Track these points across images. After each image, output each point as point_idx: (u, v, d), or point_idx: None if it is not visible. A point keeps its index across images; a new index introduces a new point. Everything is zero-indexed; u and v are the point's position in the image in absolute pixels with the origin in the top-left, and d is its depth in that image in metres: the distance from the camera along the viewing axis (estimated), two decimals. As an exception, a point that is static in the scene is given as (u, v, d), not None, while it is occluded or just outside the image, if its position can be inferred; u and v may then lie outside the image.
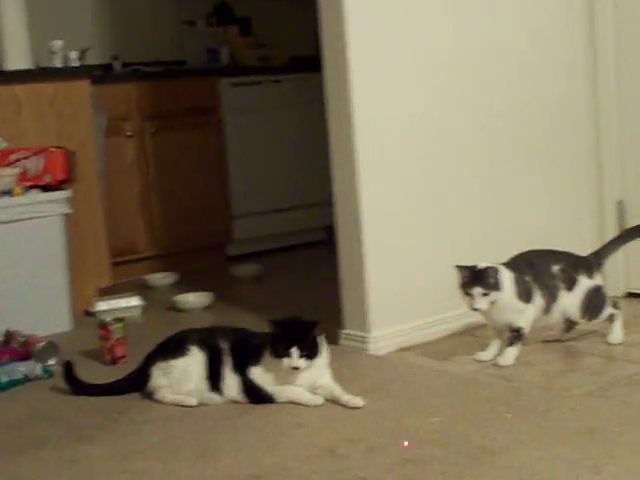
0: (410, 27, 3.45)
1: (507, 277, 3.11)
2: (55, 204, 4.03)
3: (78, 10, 5.62)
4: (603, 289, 3.27)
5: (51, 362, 3.42)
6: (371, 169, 3.37)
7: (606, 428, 2.55)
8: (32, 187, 4.04)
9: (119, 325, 3.52)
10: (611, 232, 3.78)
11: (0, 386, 3.25)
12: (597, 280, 3.26)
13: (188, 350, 2.96)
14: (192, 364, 2.95)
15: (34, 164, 4.06)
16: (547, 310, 3.21)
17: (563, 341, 3.35)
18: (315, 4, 3.42)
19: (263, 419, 2.79)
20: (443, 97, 3.54)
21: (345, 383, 2.92)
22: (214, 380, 2.94)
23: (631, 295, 3.90)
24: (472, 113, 3.62)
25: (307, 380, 2.87)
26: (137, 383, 3.05)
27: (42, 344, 3.48)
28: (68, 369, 3.13)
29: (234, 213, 5.50)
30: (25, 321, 3.72)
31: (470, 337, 3.47)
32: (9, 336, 3.59)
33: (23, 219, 3.94)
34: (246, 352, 2.92)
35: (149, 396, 3.01)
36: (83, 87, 4.40)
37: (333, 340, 3.39)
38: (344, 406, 2.82)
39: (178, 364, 2.96)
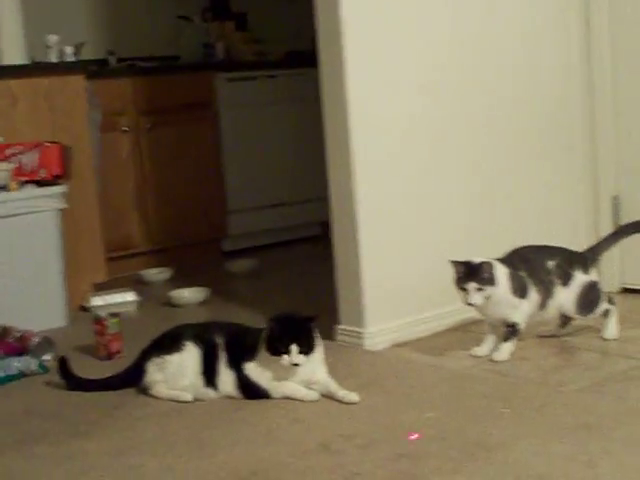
0: (408, 28, 3.45)
1: (502, 272, 3.11)
2: (50, 199, 4.02)
3: (74, 5, 5.62)
4: (598, 285, 3.28)
5: (46, 357, 3.41)
6: (367, 168, 3.37)
7: (601, 423, 2.55)
8: (27, 182, 4.03)
9: (114, 320, 3.52)
10: (606, 228, 3.79)
11: (-5, 381, 3.25)
12: (592, 276, 3.26)
13: (183, 345, 2.96)
14: (187, 359, 2.95)
15: (29, 159, 4.06)
16: (542, 305, 3.21)
17: (558, 336, 3.36)
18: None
19: (258, 414, 2.80)
20: (439, 97, 3.54)
21: (340, 378, 2.92)
22: (209, 375, 2.94)
23: (626, 290, 3.91)
24: (469, 113, 3.62)
25: (303, 375, 2.87)
26: (132, 378, 3.05)
27: (37, 339, 3.48)
28: (63, 364, 3.13)
29: (229, 208, 5.50)
30: (20, 316, 3.71)
31: (465, 333, 3.48)
32: (4, 331, 3.58)
33: (18, 214, 3.94)
34: (241, 348, 2.92)
35: (144, 391, 3.01)
36: (78, 82, 4.40)
37: (328, 335, 3.40)
38: (339, 401, 2.83)
39: (173, 359, 2.96)
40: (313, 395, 2.86)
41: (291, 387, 2.87)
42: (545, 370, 3.06)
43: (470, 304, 3.09)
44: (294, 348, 2.80)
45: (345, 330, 3.47)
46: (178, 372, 2.95)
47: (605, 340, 3.29)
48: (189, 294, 4.35)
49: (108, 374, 3.16)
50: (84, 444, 2.67)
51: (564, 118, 3.91)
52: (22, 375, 3.30)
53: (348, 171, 3.36)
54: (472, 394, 2.87)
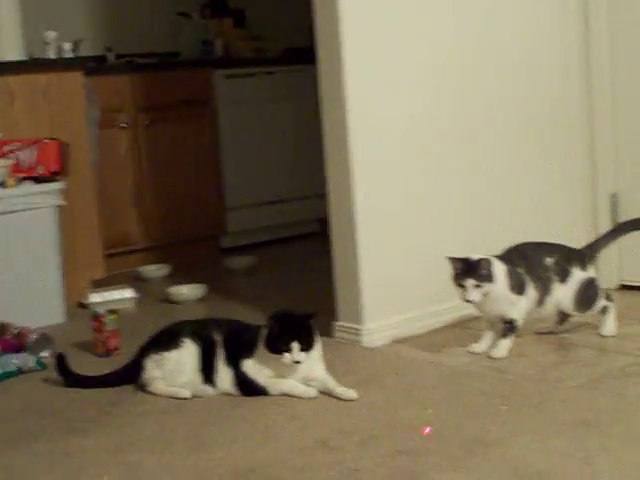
0: (407, 28, 3.45)
1: (500, 269, 3.11)
2: (48, 196, 4.02)
3: (72, 1, 5.61)
4: (596, 281, 3.28)
5: (44, 354, 3.41)
6: (365, 166, 3.37)
7: (599, 420, 2.55)
8: (25, 178, 4.03)
9: (113, 317, 3.51)
10: (605, 225, 3.80)
11: (-7, 378, 3.25)
12: (590, 272, 3.26)
13: (181, 342, 2.96)
14: (185, 356, 2.95)
15: (27, 155, 4.05)
16: (540, 302, 3.21)
17: (556, 333, 3.36)
18: (309, -4, 3.42)
19: (257, 411, 2.79)
20: (439, 97, 3.55)
21: (339, 375, 2.92)
22: (207, 372, 2.93)
23: (624, 287, 3.91)
24: (469, 112, 3.63)
25: (301, 372, 2.87)
26: (130, 375, 3.05)
27: (35, 336, 3.47)
28: (61, 361, 3.12)
29: (228, 205, 5.50)
30: (18, 313, 3.72)
31: (463, 329, 3.48)
32: (2, 328, 3.58)
33: (16, 211, 3.94)
34: (240, 344, 2.92)
35: (143, 388, 3.01)
36: (76, 78, 4.39)
37: (327, 332, 3.40)
38: (338, 398, 2.83)
39: (171, 356, 2.96)
40: (311, 392, 2.86)
41: (289, 384, 2.87)
42: (543, 367, 3.06)
43: (468, 301, 3.09)
44: (295, 346, 2.80)
45: (343, 327, 3.47)
46: (176, 369, 2.95)
47: (603, 337, 3.29)
48: (187, 291, 4.35)
49: (106, 371, 3.15)
50: (82, 441, 2.67)
51: (563, 117, 3.92)
52: (20, 372, 3.30)
53: (346, 169, 3.36)
54: (470, 391, 2.87)
